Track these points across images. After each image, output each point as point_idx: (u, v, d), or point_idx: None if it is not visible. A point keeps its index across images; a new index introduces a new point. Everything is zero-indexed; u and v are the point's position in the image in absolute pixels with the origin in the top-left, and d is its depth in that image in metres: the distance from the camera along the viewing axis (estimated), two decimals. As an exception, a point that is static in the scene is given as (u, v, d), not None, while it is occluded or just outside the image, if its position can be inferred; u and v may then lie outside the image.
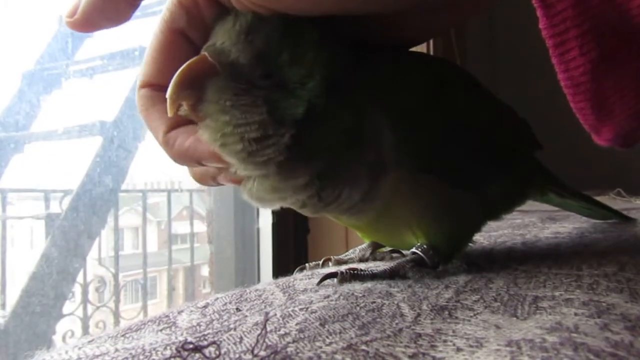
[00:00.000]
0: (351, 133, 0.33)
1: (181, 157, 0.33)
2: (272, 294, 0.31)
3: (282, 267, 0.98)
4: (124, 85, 1.50)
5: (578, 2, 0.22)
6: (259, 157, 0.31)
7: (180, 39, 0.33)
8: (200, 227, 2.73)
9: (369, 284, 0.32)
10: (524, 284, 0.31)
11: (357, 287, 0.32)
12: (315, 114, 0.31)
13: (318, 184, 0.32)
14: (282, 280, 0.36)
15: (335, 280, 0.34)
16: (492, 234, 0.51)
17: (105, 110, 1.51)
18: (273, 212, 0.98)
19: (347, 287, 0.32)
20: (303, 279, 0.36)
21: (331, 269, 0.41)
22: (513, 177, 0.41)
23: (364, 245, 0.45)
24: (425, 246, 0.36)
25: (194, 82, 0.31)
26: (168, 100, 0.30)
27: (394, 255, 0.44)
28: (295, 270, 0.42)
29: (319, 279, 0.35)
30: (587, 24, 0.22)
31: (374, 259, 0.44)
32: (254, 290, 0.33)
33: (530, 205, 0.49)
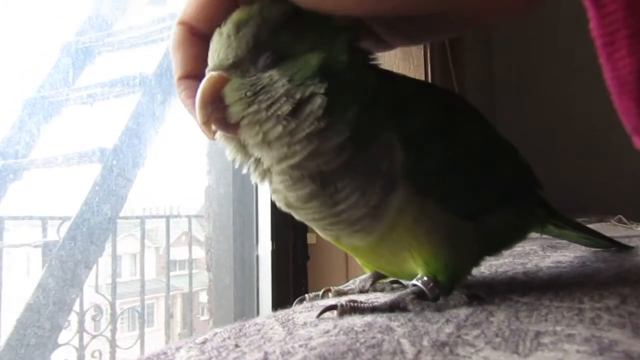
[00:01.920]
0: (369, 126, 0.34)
1: (182, 104, 0.36)
2: (271, 329, 0.31)
3: (281, 295, 0.97)
4: (124, 112, 1.51)
5: (630, 4, 0.23)
6: (302, 145, 0.32)
7: None
8: (199, 252, 2.71)
9: (368, 318, 0.32)
10: (525, 317, 0.30)
11: (357, 320, 0.31)
12: (337, 77, 0.32)
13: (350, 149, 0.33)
14: (281, 313, 0.36)
15: (335, 312, 0.34)
16: (493, 264, 0.51)
17: (105, 138, 1.52)
18: (273, 239, 0.98)
19: (347, 321, 0.31)
20: (303, 312, 0.36)
21: (330, 300, 0.41)
22: (514, 213, 0.41)
23: (364, 276, 0.45)
24: (425, 278, 0.36)
25: (212, 97, 0.33)
26: (202, 128, 0.34)
27: (395, 286, 0.44)
28: (295, 302, 0.42)
29: (318, 312, 0.34)
30: (637, 26, 0.23)
31: (375, 290, 0.43)
32: (253, 325, 0.32)
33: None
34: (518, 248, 0.61)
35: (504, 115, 1.46)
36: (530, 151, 0.44)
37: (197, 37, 0.35)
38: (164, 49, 1.59)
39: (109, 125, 1.55)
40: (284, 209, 0.37)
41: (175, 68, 0.36)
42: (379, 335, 0.28)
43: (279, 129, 0.32)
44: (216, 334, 0.30)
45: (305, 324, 0.32)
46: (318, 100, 0.32)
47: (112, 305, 1.81)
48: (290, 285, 1.01)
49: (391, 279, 0.44)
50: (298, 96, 0.32)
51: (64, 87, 1.61)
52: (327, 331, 0.29)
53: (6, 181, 1.55)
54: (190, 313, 2.25)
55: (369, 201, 0.34)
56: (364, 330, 0.29)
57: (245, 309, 1.00)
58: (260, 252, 0.99)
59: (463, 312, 0.33)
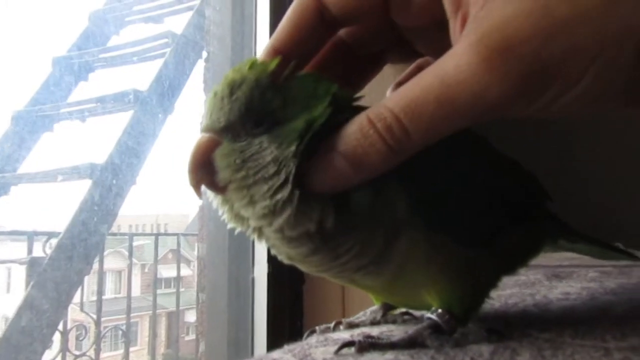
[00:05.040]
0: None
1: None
2: (290, 366, 0.30)
3: (277, 319, 0.96)
4: (117, 129, 1.50)
5: None
6: (282, 193, 0.32)
7: (315, 12, 0.35)
8: (186, 271, 2.67)
9: (389, 355, 0.31)
10: (551, 357, 0.30)
11: (378, 358, 0.30)
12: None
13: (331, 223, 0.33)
14: (295, 347, 0.35)
15: (353, 349, 0.33)
16: (501, 294, 0.51)
17: (96, 154, 1.51)
18: (269, 262, 0.96)
19: (368, 359, 0.30)
20: (318, 346, 0.35)
21: (343, 333, 0.40)
22: (525, 230, 0.41)
23: (374, 308, 0.44)
24: (440, 310, 0.36)
25: (202, 161, 0.34)
26: (192, 189, 0.34)
27: (405, 317, 0.43)
28: (306, 334, 0.41)
29: (335, 348, 0.33)
30: None
31: (386, 322, 0.43)
32: (270, 360, 0.31)
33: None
34: (522, 277, 0.61)
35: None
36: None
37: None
38: (159, 67, 1.59)
39: (101, 141, 1.54)
40: (285, 262, 0.36)
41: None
42: (407, 376, 0.27)
43: (264, 188, 0.32)
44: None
45: (324, 360, 0.31)
46: (290, 154, 0.32)
47: (97, 324, 1.78)
48: (286, 309, 1.00)
49: (401, 310, 0.44)
50: (282, 159, 0.32)
51: (56, 102, 1.60)
52: (352, 370, 0.28)
53: (-7, 195, 1.52)
54: (177, 332, 2.22)
55: (372, 251, 0.34)
56: (389, 370, 0.28)
57: (240, 332, 0.98)
58: (257, 274, 0.98)
59: (485, 349, 0.32)
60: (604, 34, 0.26)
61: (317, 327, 0.42)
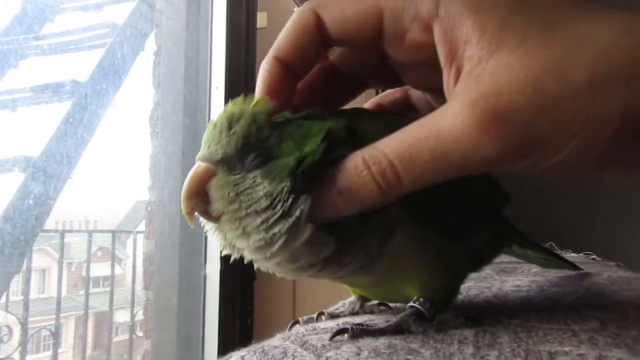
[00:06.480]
0: None
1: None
2: (295, 351, 0.32)
3: (228, 316, 0.96)
4: (53, 120, 1.42)
5: None
6: (279, 227, 0.33)
7: (314, 27, 0.36)
8: (116, 269, 2.57)
9: (386, 340, 0.33)
10: (527, 338, 0.33)
11: (375, 343, 0.33)
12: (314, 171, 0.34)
13: (337, 247, 0.35)
14: (290, 335, 0.37)
15: (346, 335, 0.35)
16: (461, 286, 0.54)
17: (29, 146, 1.42)
18: (222, 259, 0.96)
19: (368, 344, 0.32)
20: (311, 334, 0.37)
21: (327, 323, 0.42)
22: (493, 230, 0.45)
23: (352, 299, 0.46)
24: (422, 299, 0.39)
25: (197, 190, 0.36)
26: (186, 216, 0.36)
27: (381, 308, 0.46)
28: (289, 325, 0.43)
29: (328, 335, 0.35)
30: None
31: (364, 312, 0.45)
32: (273, 348, 0.33)
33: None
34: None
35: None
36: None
37: (287, 70, 0.37)
38: (99, 57, 1.53)
39: (34, 133, 1.46)
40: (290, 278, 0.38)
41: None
42: (411, 357, 0.29)
43: (257, 221, 0.34)
44: (243, 357, 0.30)
45: (325, 346, 0.33)
46: (285, 189, 0.34)
47: (24, 326, 1.68)
48: (237, 304, 1.00)
49: (377, 301, 0.46)
50: (276, 195, 0.34)
51: (-18, 88, 1.50)
52: (358, 354, 0.30)
53: None
54: (108, 333, 2.14)
55: (372, 252, 0.37)
56: (391, 352, 0.30)
57: (190, 331, 0.98)
58: (209, 271, 0.97)
59: (468, 333, 0.35)
60: (587, 114, 0.28)
61: (300, 318, 0.44)
